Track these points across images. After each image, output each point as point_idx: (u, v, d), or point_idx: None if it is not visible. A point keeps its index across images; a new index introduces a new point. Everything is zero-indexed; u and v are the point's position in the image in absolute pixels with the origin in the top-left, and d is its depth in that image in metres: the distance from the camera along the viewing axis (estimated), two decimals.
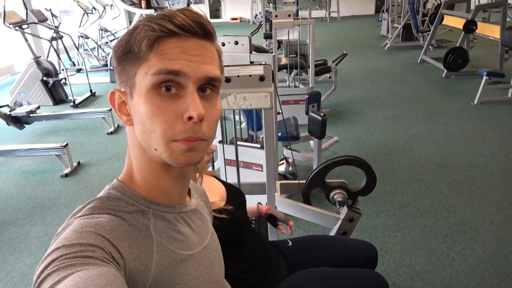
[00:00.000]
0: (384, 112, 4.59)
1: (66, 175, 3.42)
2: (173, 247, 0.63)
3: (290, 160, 3.27)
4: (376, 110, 4.67)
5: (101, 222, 0.55)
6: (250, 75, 1.47)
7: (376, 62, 7.22)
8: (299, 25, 4.03)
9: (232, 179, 2.38)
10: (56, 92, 5.59)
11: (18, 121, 4.25)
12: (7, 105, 4.45)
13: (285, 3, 5.88)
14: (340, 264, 1.27)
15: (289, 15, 3.72)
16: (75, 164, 3.58)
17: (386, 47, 8.29)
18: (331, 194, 1.66)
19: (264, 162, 1.68)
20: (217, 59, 0.61)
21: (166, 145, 0.57)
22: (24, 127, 4.30)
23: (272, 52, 4.10)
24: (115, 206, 0.60)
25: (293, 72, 4.60)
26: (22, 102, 5.32)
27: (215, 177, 1.33)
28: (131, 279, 0.53)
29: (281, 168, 3.21)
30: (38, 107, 4.40)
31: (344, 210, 1.49)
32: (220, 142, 2.50)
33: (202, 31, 0.58)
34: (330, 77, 5.10)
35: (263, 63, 1.55)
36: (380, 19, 10.90)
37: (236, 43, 2.28)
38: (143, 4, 8.88)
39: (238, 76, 1.48)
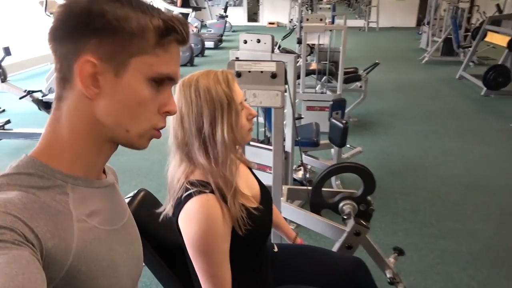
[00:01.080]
0: (414, 127, 4.39)
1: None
2: (95, 222, 0.61)
3: (308, 166, 3.17)
4: (406, 124, 4.48)
5: (11, 200, 0.51)
6: (261, 72, 1.41)
7: (411, 75, 6.97)
8: (330, 31, 3.92)
9: None
10: None
11: (48, 106, 4.38)
12: (40, 91, 4.59)
13: (320, 8, 5.78)
14: (325, 278, 1.18)
15: (321, 19, 3.63)
16: None
17: (424, 60, 7.99)
18: (340, 204, 1.55)
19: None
20: None
21: (144, 131, 0.62)
22: None
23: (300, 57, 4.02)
24: (27, 182, 0.55)
25: (322, 79, 4.48)
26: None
27: (250, 169, 1.22)
28: (49, 258, 0.51)
29: (299, 175, 3.11)
30: None
31: (350, 223, 1.39)
32: None
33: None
34: (360, 86, 4.95)
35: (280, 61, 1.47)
36: (420, 32, 10.55)
37: (258, 41, 2.21)
38: (179, 2, 9.03)
39: (249, 71, 1.41)
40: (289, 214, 1.56)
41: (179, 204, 0.94)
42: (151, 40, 0.58)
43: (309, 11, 11.30)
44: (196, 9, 10.35)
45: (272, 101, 1.41)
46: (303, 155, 3.01)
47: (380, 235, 2.44)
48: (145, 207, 1.12)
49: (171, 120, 0.98)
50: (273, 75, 1.40)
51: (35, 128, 3.89)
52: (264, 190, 1.17)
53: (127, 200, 1.13)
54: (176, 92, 0.98)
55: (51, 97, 4.34)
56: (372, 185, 1.51)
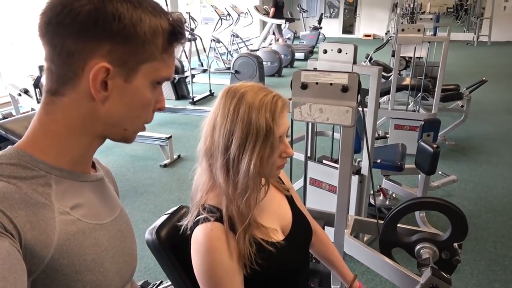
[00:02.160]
0: None
1: (165, 166, 3.58)
2: (79, 215, 0.60)
3: (389, 192, 2.84)
4: None
5: None
6: (331, 84, 1.23)
7: None
8: (428, 42, 3.53)
9: (313, 201, 2.14)
10: (180, 88, 6.04)
11: None
12: None
13: (420, 19, 5.28)
14: None
15: (419, 30, 3.28)
16: (175, 156, 3.74)
17: None
18: (418, 246, 1.29)
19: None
20: None
21: (140, 128, 0.65)
22: None
23: (392, 71, 3.69)
24: (8, 172, 0.55)
25: (417, 95, 4.06)
26: None
27: (287, 197, 1.07)
28: (28, 249, 0.51)
29: (377, 201, 2.81)
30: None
31: (427, 273, 1.13)
32: (308, 158, 2.28)
33: None
34: (462, 106, 4.38)
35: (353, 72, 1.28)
36: None
37: (340, 51, 2.02)
38: (271, 13, 9.12)
39: (316, 83, 1.25)
40: (352, 250, 1.35)
41: (191, 227, 0.89)
42: (160, 46, 0.59)
43: (410, 23, 10.59)
44: (290, 20, 10.36)
45: (340, 118, 1.23)
46: (384, 179, 2.72)
47: (470, 284, 2.05)
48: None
49: (205, 125, 0.90)
50: (344, 89, 1.22)
51: None
52: (299, 223, 1.04)
53: (166, 216, 1.06)
54: (218, 97, 0.89)
55: None
56: (463, 231, 1.22)
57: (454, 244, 1.23)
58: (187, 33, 6.45)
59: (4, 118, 2.54)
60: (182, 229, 0.92)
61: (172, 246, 0.98)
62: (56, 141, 0.59)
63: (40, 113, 0.60)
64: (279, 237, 0.95)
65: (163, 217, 1.05)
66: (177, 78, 5.89)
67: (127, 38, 0.56)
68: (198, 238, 0.85)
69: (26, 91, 3.82)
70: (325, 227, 1.60)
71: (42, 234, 0.53)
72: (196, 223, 0.87)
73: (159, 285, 1.56)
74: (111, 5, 0.54)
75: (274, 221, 0.96)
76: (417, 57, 3.77)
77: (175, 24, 0.60)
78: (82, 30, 0.54)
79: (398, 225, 1.35)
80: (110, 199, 0.71)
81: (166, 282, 1.56)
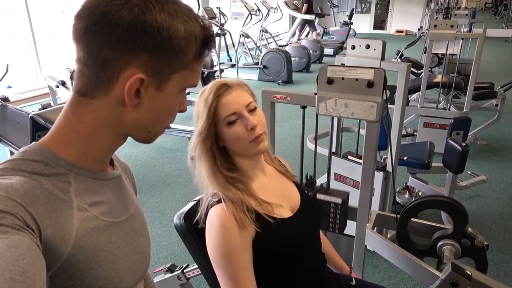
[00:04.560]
0: None
1: (192, 158, 3.67)
2: (96, 212, 0.61)
3: (415, 190, 2.81)
4: None
5: (13, 185, 0.51)
6: (356, 79, 1.24)
7: None
8: (462, 39, 3.44)
9: None
10: (209, 82, 6.07)
11: None
12: None
13: (455, 14, 5.12)
14: None
15: (452, 26, 3.20)
16: None
17: None
18: (439, 243, 1.29)
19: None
20: None
21: (160, 131, 0.67)
22: None
23: (423, 67, 3.62)
24: (31, 168, 0.56)
25: (449, 93, 3.96)
26: None
27: (295, 183, 1.15)
28: (48, 245, 0.51)
29: (403, 198, 2.79)
30: (188, 93, 4.87)
31: (447, 269, 1.13)
32: (333, 153, 2.29)
33: None
34: (496, 105, 4.24)
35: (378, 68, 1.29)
36: None
37: (368, 47, 2.02)
38: (304, 8, 9.05)
39: (342, 78, 1.27)
40: (373, 244, 1.36)
41: (206, 213, 0.97)
42: (192, 55, 0.60)
43: (445, 18, 10.25)
44: (320, 15, 10.26)
45: (365, 113, 1.24)
46: (410, 177, 2.69)
47: None
48: None
49: None
50: (370, 84, 1.23)
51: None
52: (307, 202, 1.12)
53: (193, 202, 1.11)
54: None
55: None
56: (462, 219, 1.24)
57: (468, 229, 1.24)
58: (217, 28, 6.54)
59: (43, 108, 2.68)
60: (195, 220, 1.00)
61: (197, 230, 1.03)
62: (81, 140, 0.60)
63: (67, 111, 0.60)
64: (285, 213, 1.02)
65: (191, 203, 1.11)
66: (206, 72, 5.98)
67: (164, 49, 0.57)
68: (211, 218, 0.94)
69: (63, 83, 4.00)
70: (348, 221, 1.62)
71: (61, 230, 0.54)
72: (209, 208, 0.96)
73: (185, 268, 1.63)
74: (150, 16, 0.54)
75: (281, 201, 1.03)
76: (450, 54, 3.68)
77: (207, 32, 0.61)
78: (121, 40, 0.55)
79: (416, 220, 1.38)
80: (126, 197, 0.72)
81: (192, 266, 1.63)
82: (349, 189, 2.25)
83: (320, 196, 1.42)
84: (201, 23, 0.61)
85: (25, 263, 0.43)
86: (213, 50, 0.64)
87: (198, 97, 0.99)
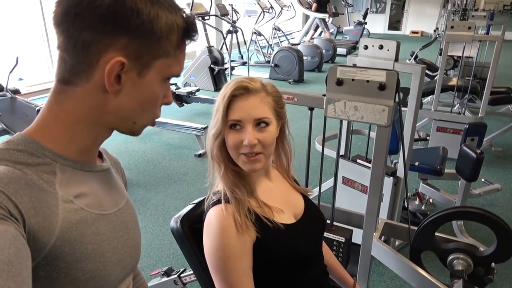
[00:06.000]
0: None
1: (199, 155, 3.64)
2: (82, 204, 0.60)
3: (426, 197, 2.73)
4: None
5: None
6: (367, 81, 1.18)
7: None
8: (479, 41, 3.33)
9: (344, 201, 2.09)
10: (219, 79, 6.09)
11: (179, 99, 4.76)
12: (175, 84, 5.02)
13: (473, 16, 4.98)
14: None
15: (469, 28, 3.10)
16: None
17: None
18: (451, 256, 1.23)
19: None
20: None
21: (148, 122, 0.66)
22: (184, 105, 4.79)
23: (438, 70, 3.51)
24: (15, 158, 0.55)
25: (464, 97, 3.85)
26: (191, 84, 5.97)
27: (302, 194, 1.10)
28: (32, 235, 0.51)
29: (413, 204, 2.71)
30: (198, 90, 4.85)
31: (458, 285, 1.07)
32: (341, 156, 2.22)
33: None
34: None
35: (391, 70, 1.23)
36: None
37: (381, 47, 1.95)
38: (314, 7, 8.95)
39: (352, 79, 1.21)
40: (379, 255, 1.30)
41: (205, 213, 0.94)
42: (174, 42, 0.60)
43: (461, 20, 10.04)
44: (334, 14, 10.14)
45: (376, 117, 1.18)
46: (421, 183, 2.61)
47: None
48: None
49: None
50: (381, 86, 1.17)
51: (163, 118, 4.25)
52: (311, 210, 1.07)
53: (191, 206, 1.07)
54: None
55: (182, 91, 4.69)
56: (509, 249, 1.13)
57: (492, 263, 1.16)
58: (229, 26, 6.49)
59: None
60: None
61: (195, 235, 0.99)
62: (65, 130, 0.60)
63: (50, 101, 0.60)
64: (287, 220, 0.98)
65: (189, 207, 1.06)
66: (216, 69, 5.95)
67: (144, 33, 0.57)
68: (209, 219, 0.91)
69: None
70: (354, 229, 1.56)
71: (45, 220, 0.53)
72: (208, 208, 0.93)
73: (182, 272, 1.59)
74: (130, 0, 0.55)
75: (284, 207, 0.99)
76: (466, 57, 3.57)
77: (189, 21, 0.61)
78: (100, 23, 0.55)
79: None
80: (116, 190, 0.71)
81: (189, 270, 1.59)
82: (357, 194, 2.20)
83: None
84: (183, 13, 0.61)
85: (11, 252, 0.43)
86: (194, 40, 0.64)
87: (223, 88, 0.94)
